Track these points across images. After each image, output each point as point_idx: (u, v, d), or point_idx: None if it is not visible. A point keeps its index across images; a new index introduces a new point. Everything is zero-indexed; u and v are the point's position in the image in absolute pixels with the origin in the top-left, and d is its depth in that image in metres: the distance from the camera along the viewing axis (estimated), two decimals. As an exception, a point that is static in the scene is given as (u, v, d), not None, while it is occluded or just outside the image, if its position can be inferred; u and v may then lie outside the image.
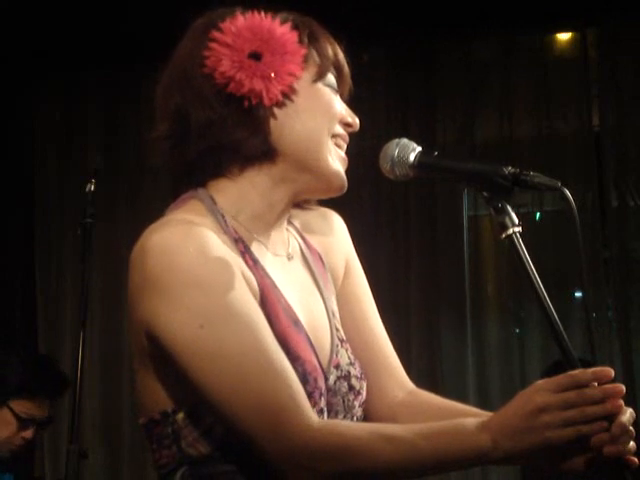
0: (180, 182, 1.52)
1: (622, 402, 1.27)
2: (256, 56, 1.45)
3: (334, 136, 1.52)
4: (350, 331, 1.61)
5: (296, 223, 1.62)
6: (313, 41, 1.51)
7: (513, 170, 1.41)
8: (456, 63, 4.82)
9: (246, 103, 1.45)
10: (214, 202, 1.48)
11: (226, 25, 1.46)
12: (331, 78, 1.53)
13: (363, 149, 4.50)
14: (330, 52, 1.52)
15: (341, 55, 1.55)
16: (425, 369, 4.52)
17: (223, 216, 1.47)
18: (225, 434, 1.38)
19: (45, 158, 5.13)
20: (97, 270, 4.60)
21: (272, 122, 1.47)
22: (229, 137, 1.45)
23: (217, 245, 1.39)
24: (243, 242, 1.47)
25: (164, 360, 1.38)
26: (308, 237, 1.62)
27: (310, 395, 1.40)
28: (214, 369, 1.34)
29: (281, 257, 1.53)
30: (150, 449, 1.46)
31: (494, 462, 1.31)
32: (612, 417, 1.27)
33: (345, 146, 1.55)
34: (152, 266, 1.36)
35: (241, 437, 1.35)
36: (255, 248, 1.48)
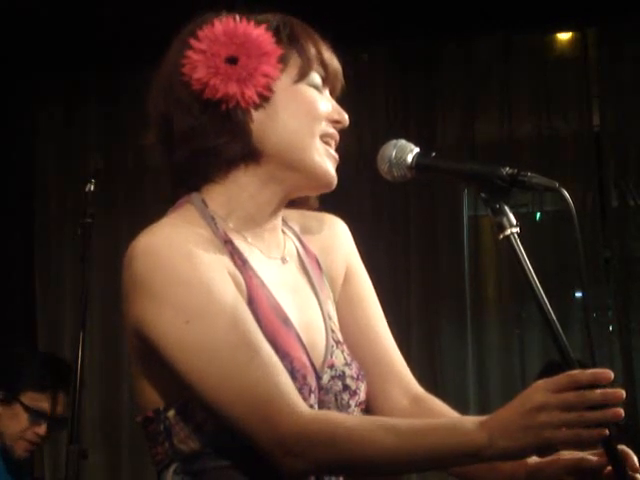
0: (176, 187, 1.55)
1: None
2: (233, 60, 1.47)
3: (322, 135, 1.52)
4: (354, 335, 1.62)
5: (295, 227, 1.63)
6: (293, 41, 1.51)
7: (511, 171, 1.42)
8: (456, 63, 4.82)
9: (224, 107, 1.47)
10: (206, 205, 1.50)
11: (202, 32, 1.49)
12: (315, 77, 1.53)
13: (363, 149, 4.52)
14: (312, 51, 1.52)
15: (327, 53, 1.55)
16: (425, 369, 4.52)
17: (213, 219, 1.49)
18: (215, 431, 1.40)
19: (45, 158, 5.14)
20: (97, 270, 4.60)
21: (252, 125, 1.48)
22: (210, 142, 1.47)
23: (202, 245, 1.43)
24: (232, 244, 1.48)
25: (155, 359, 1.41)
26: (307, 241, 1.63)
27: (298, 391, 1.41)
28: (202, 363, 1.37)
29: (275, 259, 1.55)
30: (147, 446, 1.49)
31: (492, 459, 1.32)
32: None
33: (334, 143, 1.55)
34: (138, 268, 1.40)
35: (232, 428, 1.37)
36: (245, 250, 1.50)
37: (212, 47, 1.47)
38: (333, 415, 1.43)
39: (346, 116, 1.56)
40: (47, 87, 5.17)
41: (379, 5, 4.39)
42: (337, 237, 1.67)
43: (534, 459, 1.47)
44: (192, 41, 1.48)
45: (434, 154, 1.48)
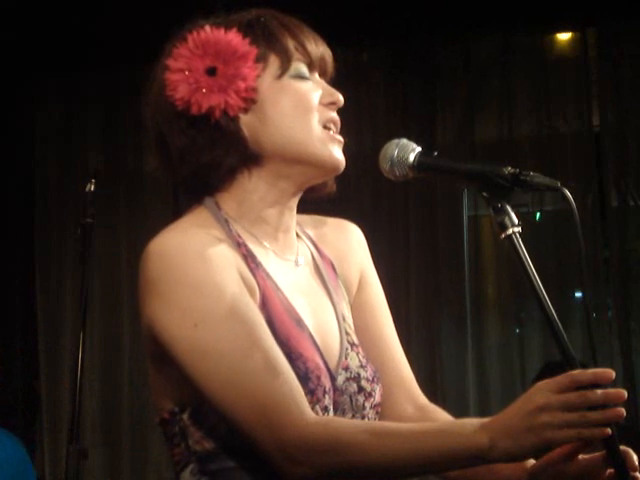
0: (187, 199, 1.55)
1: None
2: (212, 71, 1.47)
3: (321, 122, 1.51)
4: (364, 342, 1.62)
5: (310, 232, 1.63)
6: (268, 36, 1.50)
7: (513, 170, 1.41)
8: (456, 63, 4.83)
9: (212, 120, 1.46)
10: (219, 208, 1.50)
11: (177, 50, 1.48)
12: (298, 67, 1.51)
13: (363, 149, 4.53)
14: (289, 42, 1.50)
15: (307, 38, 1.52)
16: (425, 369, 4.52)
17: (227, 221, 1.50)
18: (229, 432, 1.40)
19: (45, 158, 5.13)
20: (97, 270, 4.60)
21: (245, 130, 1.48)
22: (207, 157, 1.48)
23: (215, 248, 1.42)
24: (246, 246, 1.48)
25: (168, 360, 1.41)
26: (322, 246, 1.63)
27: (313, 392, 1.41)
28: (208, 367, 1.37)
29: (289, 262, 1.55)
30: (167, 447, 1.49)
31: (495, 461, 1.31)
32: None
33: (335, 126, 1.53)
34: (151, 269, 1.40)
35: (239, 432, 1.37)
36: (258, 252, 1.50)
37: (189, 63, 1.47)
38: (336, 421, 1.42)
39: (339, 96, 1.53)
40: (47, 87, 5.17)
41: (379, 5, 4.40)
42: (352, 243, 1.67)
43: (532, 461, 1.46)
44: (169, 61, 1.48)
45: (436, 153, 1.48)
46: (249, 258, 1.47)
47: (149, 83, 1.54)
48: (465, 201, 4.82)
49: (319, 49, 1.54)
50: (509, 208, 1.40)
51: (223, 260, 1.42)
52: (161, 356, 1.42)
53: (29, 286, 5.03)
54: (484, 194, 1.42)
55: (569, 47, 4.81)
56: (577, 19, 4.67)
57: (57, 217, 5.03)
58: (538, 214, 4.72)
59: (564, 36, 4.83)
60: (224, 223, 1.49)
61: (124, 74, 4.96)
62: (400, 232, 4.80)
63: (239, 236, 1.49)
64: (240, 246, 1.48)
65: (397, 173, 1.49)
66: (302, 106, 1.50)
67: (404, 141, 1.49)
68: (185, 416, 1.44)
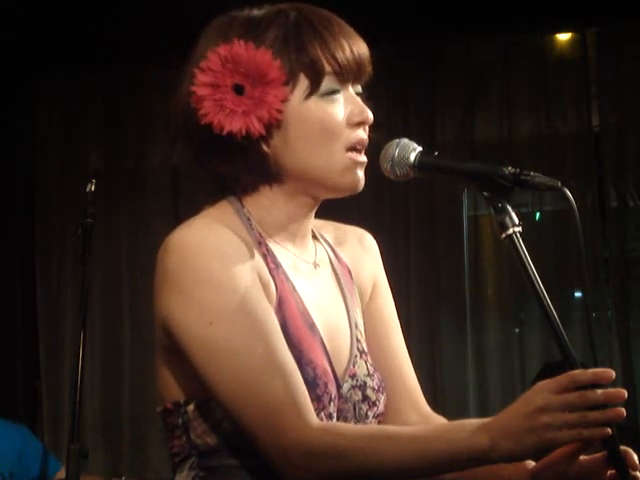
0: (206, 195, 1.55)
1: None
2: (239, 89, 1.44)
3: (347, 147, 1.48)
4: (372, 349, 1.62)
5: (328, 237, 1.63)
6: (300, 52, 1.46)
7: (513, 170, 1.41)
8: (456, 63, 4.83)
9: (235, 140, 1.44)
10: (242, 205, 1.50)
11: (205, 63, 1.44)
12: (328, 83, 1.47)
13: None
14: (320, 56, 1.46)
15: (339, 48, 1.48)
16: (425, 369, 4.52)
17: (249, 219, 1.49)
18: (234, 429, 1.40)
19: (45, 158, 5.13)
20: (97, 270, 4.60)
21: (267, 149, 1.46)
22: (228, 169, 1.48)
23: (236, 245, 1.42)
24: (266, 245, 1.48)
25: (178, 353, 1.42)
26: (339, 251, 1.63)
27: (319, 399, 1.42)
28: (219, 366, 1.37)
29: (307, 264, 1.55)
30: (166, 438, 1.49)
31: (495, 462, 1.31)
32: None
33: (362, 147, 1.50)
34: (170, 262, 1.40)
35: (243, 432, 1.37)
36: (278, 252, 1.50)
37: (217, 78, 1.44)
38: (337, 426, 1.42)
39: (369, 113, 1.50)
40: (47, 87, 5.17)
41: (379, 5, 4.39)
42: (367, 251, 1.68)
43: (532, 463, 1.46)
44: (197, 73, 1.44)
45: (436, 153, 1.48)
46: (269, 258, 1.47)
47: (177, 85, 1.51)
48: (465, 201, 4.82)
49: (353, 55, 1.50)
50: (510, 208, 1.40)
51: (243, 259, 1.42)
52: (172, 348, 1.42)
53: (29, 286, 5.03)
54: (485, 194, 1.42)
55: (569, 47, 4.81)
56: (577, 19, 4.67)
57: (57, 217, 5.03)
58: (538, 214, 4.72)
59: (564, 36, 4.83)
60: (246, 220, 1.49)
61: (124, 74, 4.96)
62: (400, 232, 4.80)
63: (260, 235, 1.49)
64: (261, 245, 1.47)
65: (398, 173, 1.48)
66: (327, 132, 1.47)
67: (405, 141, 1.49)
68: (190, 408, 1.44)
